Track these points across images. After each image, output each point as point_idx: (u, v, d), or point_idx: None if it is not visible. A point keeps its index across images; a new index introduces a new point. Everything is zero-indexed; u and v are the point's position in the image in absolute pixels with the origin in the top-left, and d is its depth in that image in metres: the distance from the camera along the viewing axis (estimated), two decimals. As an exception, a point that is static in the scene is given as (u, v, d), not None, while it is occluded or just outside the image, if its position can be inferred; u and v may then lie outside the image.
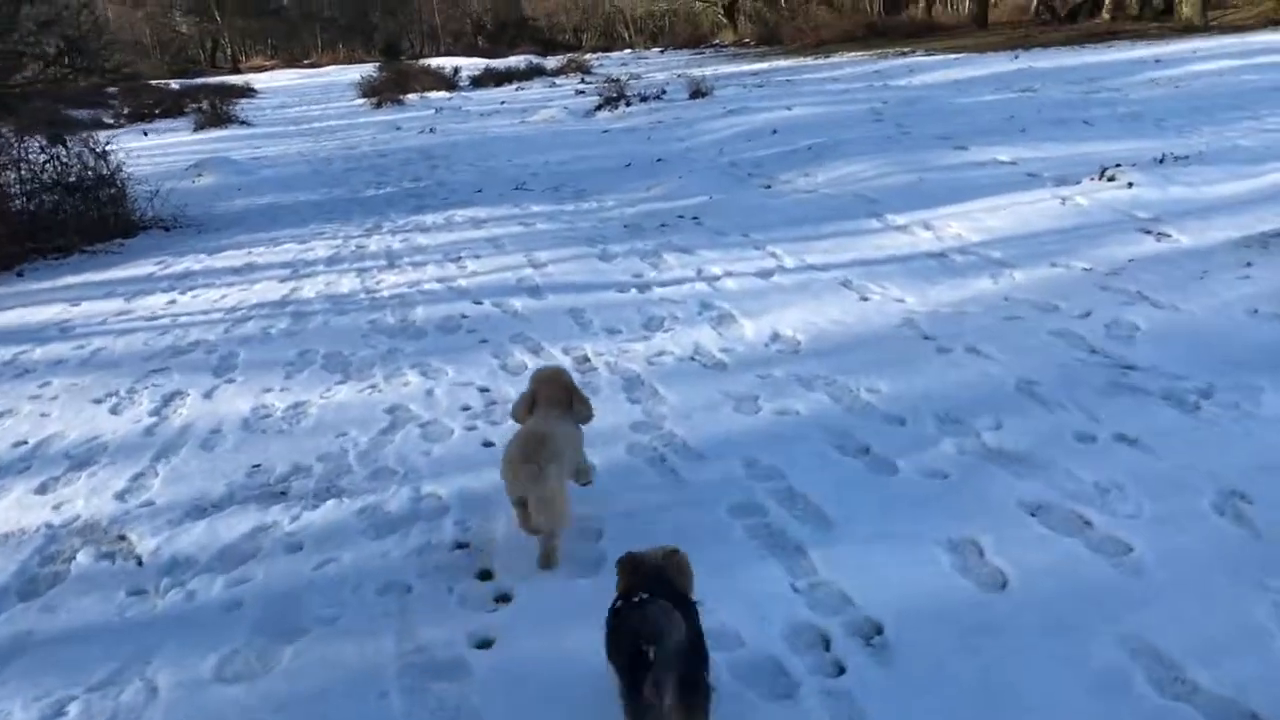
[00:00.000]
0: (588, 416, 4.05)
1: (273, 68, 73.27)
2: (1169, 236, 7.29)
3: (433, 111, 24.62)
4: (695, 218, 9.51)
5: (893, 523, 3.71)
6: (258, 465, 4.86)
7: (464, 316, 7.09)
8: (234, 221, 11.77)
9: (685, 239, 8.75)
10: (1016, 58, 23.63)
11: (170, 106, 32.72)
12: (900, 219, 8.84)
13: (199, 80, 47.34)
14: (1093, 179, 9.18)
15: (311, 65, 72.19)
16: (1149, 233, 7.47)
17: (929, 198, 9.41)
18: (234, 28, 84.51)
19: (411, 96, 30.26)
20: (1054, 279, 6.64)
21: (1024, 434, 4.33)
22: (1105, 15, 37.41)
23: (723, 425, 4.77)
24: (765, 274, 7.55)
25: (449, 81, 33.63)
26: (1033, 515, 3.70)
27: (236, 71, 68.82)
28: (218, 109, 26.81)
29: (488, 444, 4.86)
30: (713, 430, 4.63)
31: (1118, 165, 9.30)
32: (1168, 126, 11.84)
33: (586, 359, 6.02)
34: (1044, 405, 4.61)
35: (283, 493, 4.55)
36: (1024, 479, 3.95)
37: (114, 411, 5.81)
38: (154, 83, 44.85)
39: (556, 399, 3.96)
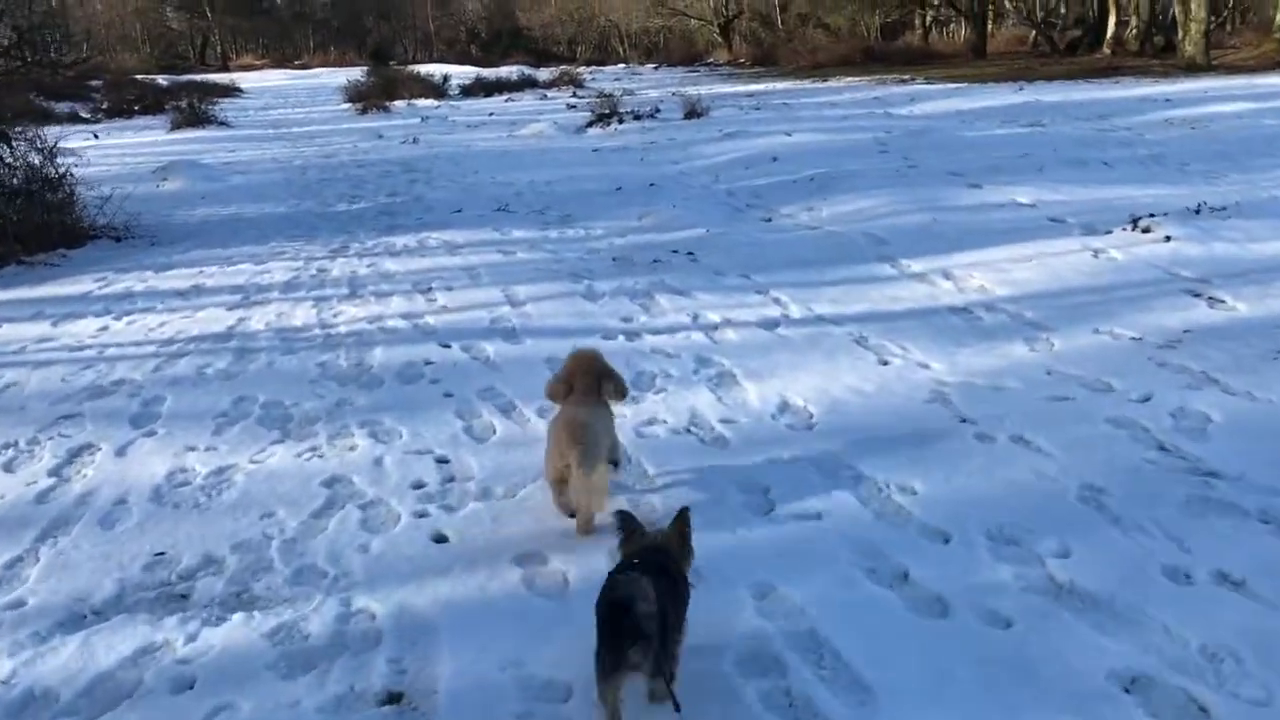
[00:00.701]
0: (622, 394, 4.31)
1: (262, 67, 72.47)
2: (1223, 303, 6.51)
3: (419, 120, 23.78)
4: (690, 253, 8.69)
5: (950, 699, 2.88)
6: (161, 553, 4.00)
7: (428, 363, 6.24)
8: (191, 234, 10.89)
9: (680, 278, 7.92)
10: (1021, 90, 23.00)
11: (151, 103, 31.81)
12: (916, 265, 8.05)
13: (186, 77, 46.44)
14: (1125, 229, 8.42)
15: (302, 66, 71.44)
16: (1198, 296, 6.69)
17: (945, 241, 8.63)
18: (225, 25, 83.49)
19: (399, 103, 29.42)
20: (1101, 350, 5.84)
21: (1099, 565, 3.51)
22: (1106, 50, 36.95)
23: (726, 529, 3.93)
24: (769, 324, 6.73)
25: (438, 89, 32.81)
26: (1127, 692, 2.88)
27: (226, 70, 67.91)
28: (195, 108, 25.88)
29: (440, 539, 4.02)
30: (714, 538, 3.79)
31: (1151, 215, 8.55)
32: (1193, 172, 11.13)
33: (565, 425, 5.18)
34: (1117, 524, 3.79)
35: (184, 595, 3.70)
36: (1109, 635, 3.13)
37: (6, 469, 4.93)
38: (141, 78, 44.02)
39: (590, 386, 4.19)
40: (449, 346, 6.54)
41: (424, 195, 12.64)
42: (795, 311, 7.02)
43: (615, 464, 4.42)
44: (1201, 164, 11.50)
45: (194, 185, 14.43)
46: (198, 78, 46.10)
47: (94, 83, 40.63)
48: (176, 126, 24.44)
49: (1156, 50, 35.49)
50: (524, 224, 10.40)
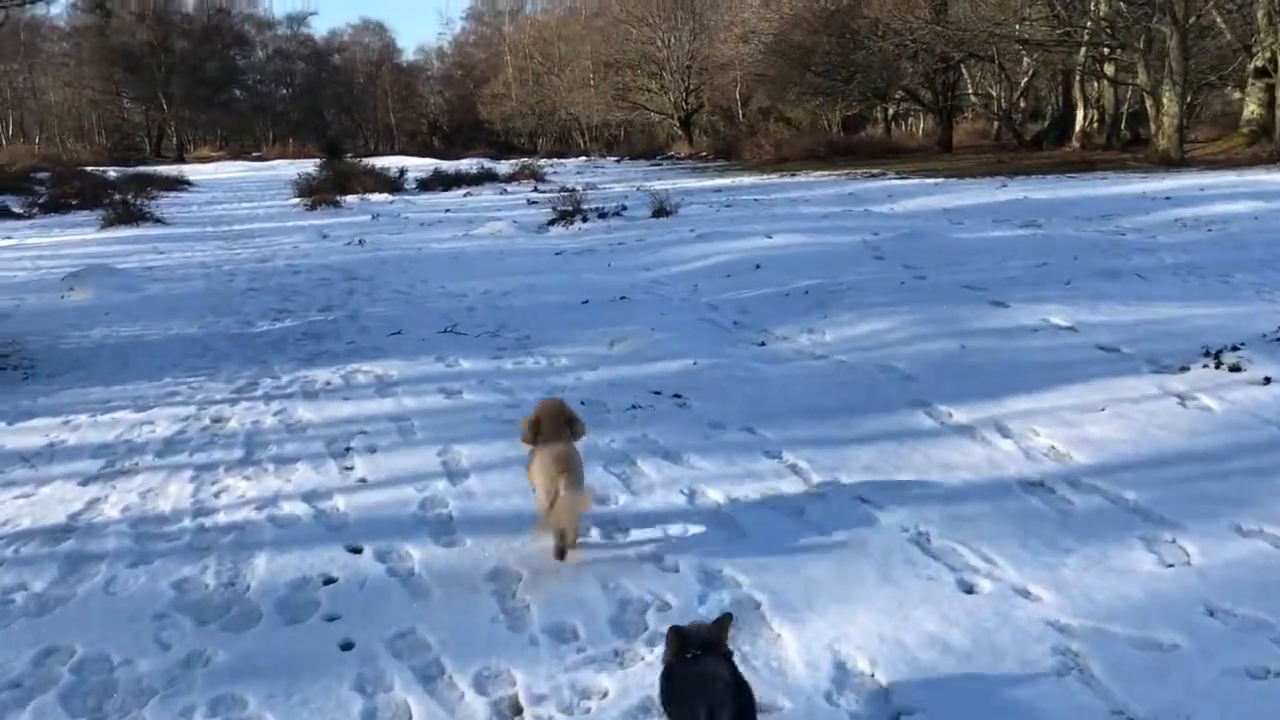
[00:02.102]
0: (582, 434, 4.92)
1: (219, 158, 71.57)
2: (1394, 482, 4.95)
3: (369, 218, 22.24)
4: (677, 395, 7.04)
5: None
6: None
7: (327, 583, 4.50)
8: (76, 363, 9.10)
9: (667, 434, 6.26)
10: (1004, 186, 21.92)
11: (90, 198, 30.07)
12: (958, 414, 6.46)
13: (138, 169, 45.00)
14: (1205, 365, 6.90)
15: (260, 158, 70.58)
16: (1349, 469, 5.13)
17: (985, 379, 7.07)
18: (181, 117, 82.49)
19: (351, 198, 27.92)
20: (1265, 565, 4.22)
21: None
22: (1075, 143, 36.47)
23: None
24: (792, 509, 5.08)
25: (393, 183, 31.40)
26: None
27: (182, 161, 67.06)
28: (130, 205, 24.17)
29: None
30: None
31: (1234, 348, 7.04)
32: (1240, 284, 9.74)
33: (516, 715, 3.46)
34: None
35: None
36: None
37: None
38: (91, 169, 42.55)
39: (558, 429, 4.77)
40: (359, 551, 4.80)
41: (361, 310, 10.95)
42: (819, 483, 5.36)
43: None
44: (1246, 275, 10.12)
45: (103, 297, 12.68)
46: (149, 170, 44.55)
47: (41, 175, 39.14)
48: (108, 224, 22.69)
49: (1123, 144, 35.02)
50: (474, 351, 8.72)
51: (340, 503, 5.39)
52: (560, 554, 4.54)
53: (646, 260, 13.72)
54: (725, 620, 3.29)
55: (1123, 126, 35.96)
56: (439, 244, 16.92)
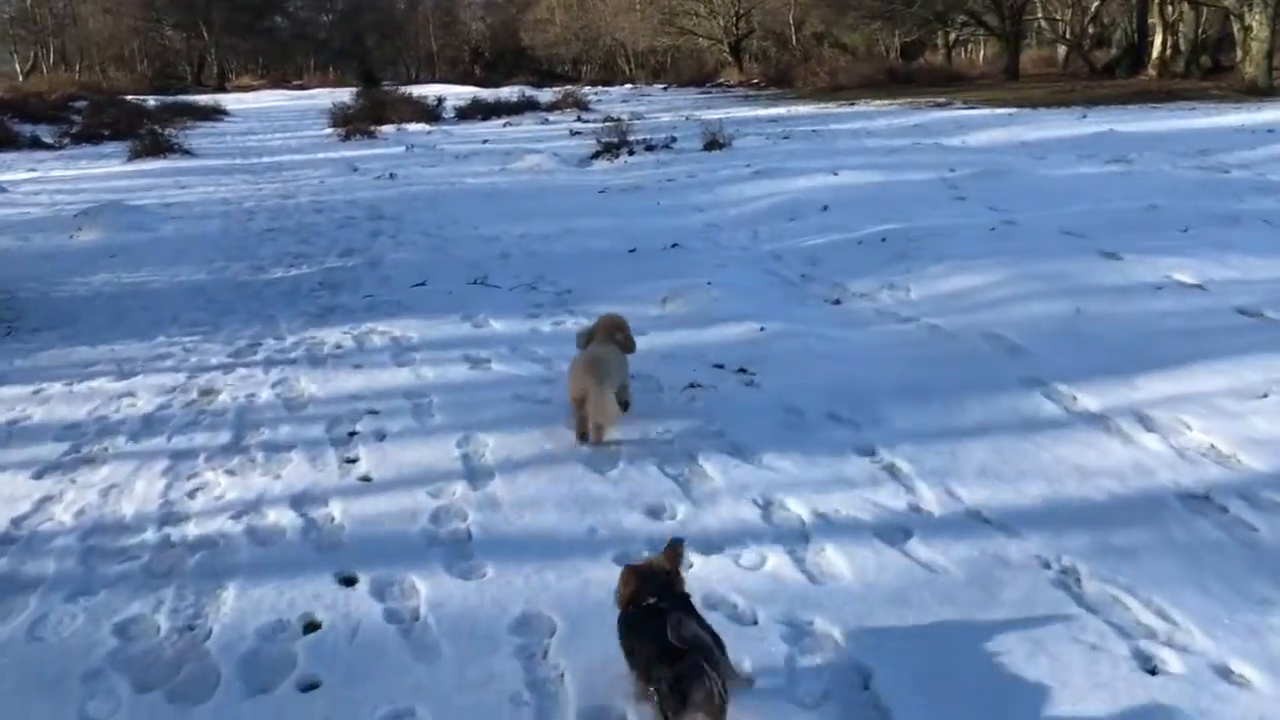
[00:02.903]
0: (630, 347, 5.31)
1: (260, 87, 70.50)
2: None
3: (403, 149, 21.14)
4: (743, 370, 5.94)
5: None
6: None
7: (308, 629, 3.54)
8: (64, 317, 8.17)
9: (735, 422, 5.19)
10: (1084, 117, 20.30)
11: (125, 127, 29.19)
12: (1085, 398, 5.32)
13: (178, 98, 44.15)
14: (1385, 339, 5.68)
15: (300, 87, 69.42)
16: None
17: (1111, 352, 5.91)
18: (222, 45, 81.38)
19: (387, 128, 26.84)
20: None
21: None
22: (1151, 71, 34.34)
23: None
24: (896, 531, 4.03)
25: (430, 113, 30.24)
26: None
27: (223, 90, 66.16)
28: (158, 136, 23.22)
29: None
30: None
31: None
32: (1387, 234, 8.41)
33: None
34: None
35: None
36: None
37: None
38: (131, 98, 41.76)
39: (610, 335, 5.22)
40: (353, 583, 3.81)
41: (384, 256, 9.92)
42: (932, 501, 4.29)
43: (625, 405, 5.09)
44: (1391, 221, 8.78)
45: (113, 236, 11.76)
46: (188, 99, 43.63)
47: (79, 103, 38.43)
48: (135, 156, 21.79)
49: (1203, 72, 32.92)
50: (507, 307, 7.67)
51: (336, 510, 4.40)
52: (582, 438, 4.91)
53: (699, 200, 12.53)
54: (677, 548, 3.20)
55: (1202, 53, 33.80)
56: (474, 179, 15.80)
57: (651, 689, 2.76)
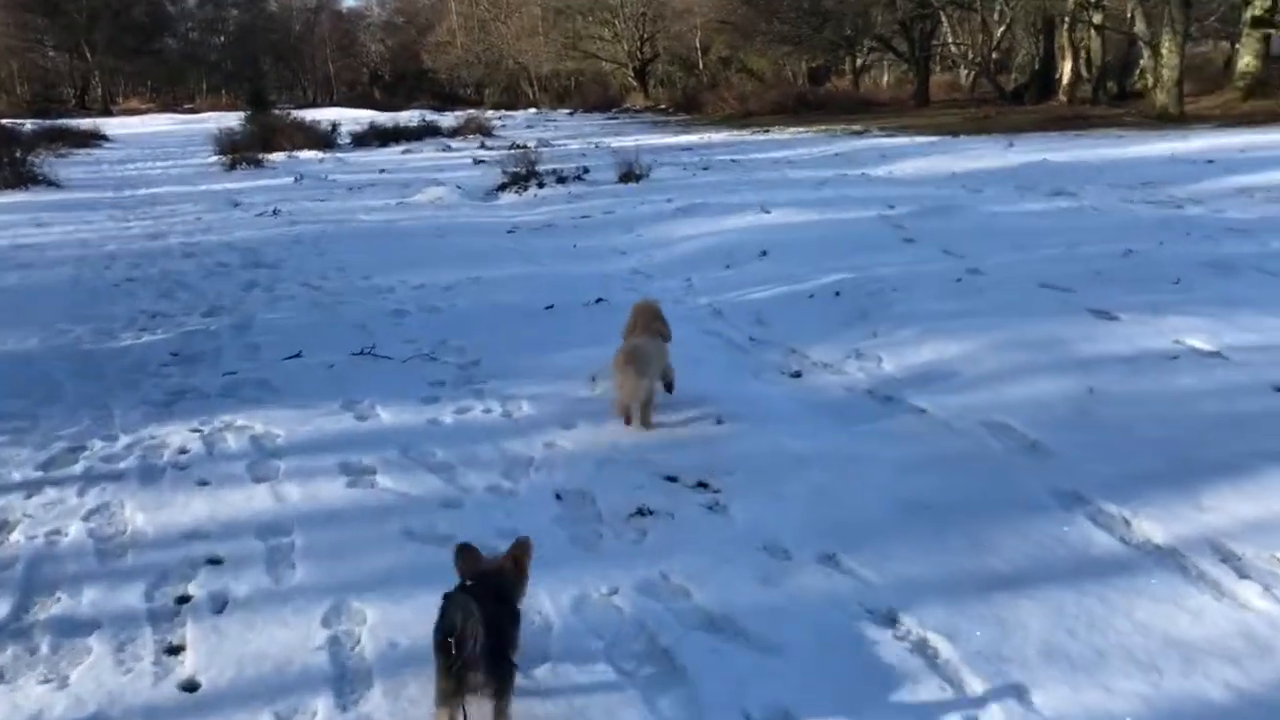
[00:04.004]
0: (668, 336, 5.69)
1: (148, 111, 67.62)
2: None
3: (292, 180, 19.51)
4: (704, 486, 4.65)
5: None
6: None
7: None
8: None
9: (702, 573, 3.89)
10: (1011, 146, 19.64)
11: (-21, 156, 26.80)
12: (1142, 523, 4.17)
13: (55, 122, 41.49)
14: None
15: (191, 110, 66.75)
16: None
17: (1149, 448, 4.81)
18: (107, 67, 77.83)
19: (277, 156, 25.09)
20: None
21: None
22: (1062, 97, 34.31)
23: None
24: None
25: (324, 139, 28.53)
26: None
27: (108, 113, 63.20)
28: (19, 165, 21.10)
29: None
30: None
31: None
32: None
33: None
34: None
35: None
36: None
37: None
38: (6, 122, 39.05)
39: (649, 326, 5.61)
40: None
41: (255, 316, 8.41)
42: (997, 715, 3.04)
43: (669, 385, 5.59)
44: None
45: (-62, 289, 9.99)
46: (69, 123, 41.06)
47: (-58, 127, 35.77)
48: (-9, 188, 19.70)
49: (1110, 98, 32.98)
50: (398, 388, 6.26)
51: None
52: (627, 421, 5.37)
53: (621, 241, 11.28)
54: (522, 545, 3.32)
55: (1108, 80, 33.90)
56: (368, 215, 14.31)
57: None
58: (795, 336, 7.14)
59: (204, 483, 4.89)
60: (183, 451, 5.30)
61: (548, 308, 8.17)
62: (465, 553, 3.25)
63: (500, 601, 3.07)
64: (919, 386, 5.89)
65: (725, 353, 6.91)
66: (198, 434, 5.55)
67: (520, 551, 3.29)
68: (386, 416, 5.74)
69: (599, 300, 8.27)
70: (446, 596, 2.99)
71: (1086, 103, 32.69)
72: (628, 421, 5.36)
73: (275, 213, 14.70)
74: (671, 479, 4.66)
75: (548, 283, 9.21)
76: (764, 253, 9.68)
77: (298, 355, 7.03)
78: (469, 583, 3.07)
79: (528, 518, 4.30)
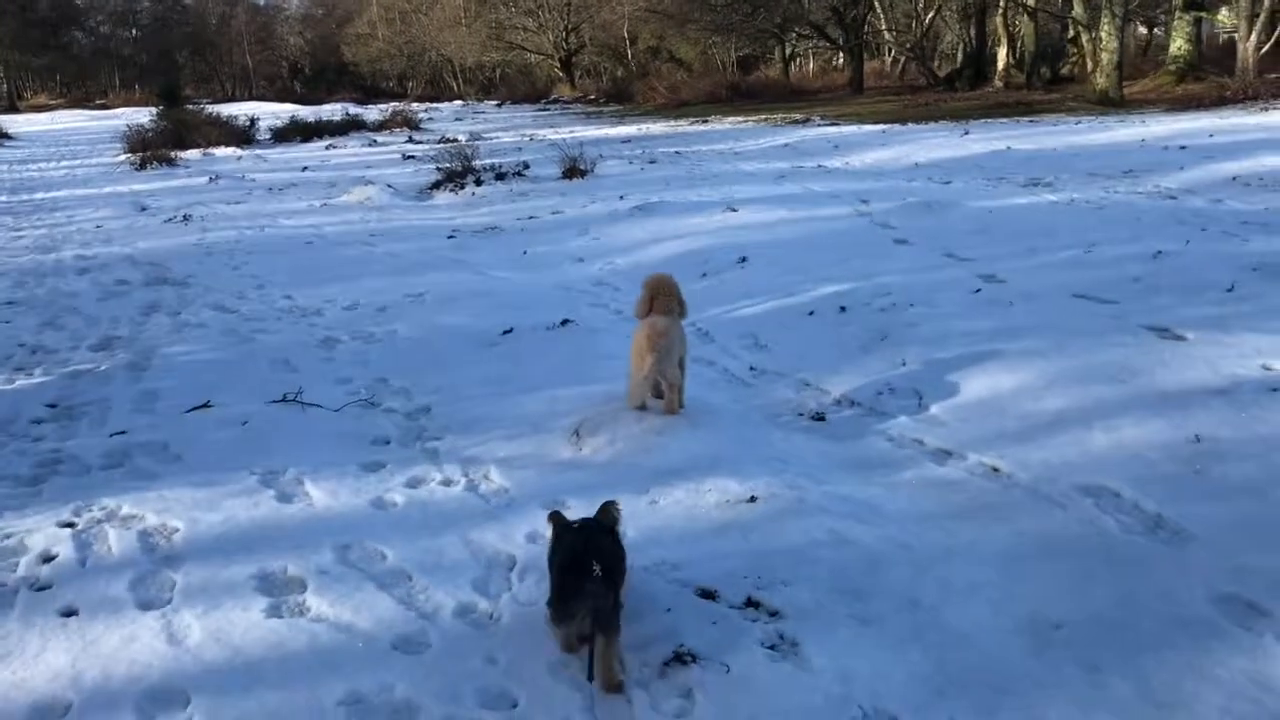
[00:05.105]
0: (685, 313, 5.27)
1: (57, 107, 64.50)
2: None
3: (206, 180, 17.91)
4: (754, 606, 3.46)
5: None
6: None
7: None
8: None
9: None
10: (967, 134, 18.77)
11: None
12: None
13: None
14: None
15: (103, 106, 63.75)
16: None
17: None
18: (12, 62, 74.15)
19: (191, 153, 23.34)
20: None
21: None
22: (998, 83, 33.77)
23: None
24: None
25: (242, 135, 26.78)
26: None
27: (15, 110, 60.28)
28: (-103, 169, 19.20)
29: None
30: None
31: None
32: None
33: None
34: None
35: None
36: None
37: None
38: (-108, 122, 36.66)
39: (667, 305, 5.14)
40: None
41: (156, 350, 7.04)
42: None
43: (680, 368, 5.11)
44: None
45: None
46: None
47: None
48: None
49: (1044, 83, 32.53)
50: (332, 452, 4.99)
51: None
52: (642, 407, 5.07)
53: (576, 246, 10.07)
54: (609, 506, 3.40)
55: (1042, 64, 33.41)
56: (289, 220, 12.89)
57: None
58: (805, 364, 6.02)
59: (70, 613, 3.58)
60: (46, 559, 3.98)
61: (505, 332, 6.93)
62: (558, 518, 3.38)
63: (613, 537, 3.25)
64: (980, 436, 4.80)
65: (727, 389, 5.76)
66: (69, 529, 4.23)
67: (610, 510, 3.41)
68: (317, 495, 4.48)
69: (565, 322, 7.04)
70: (564, 525, 3.25)
71: (1022, 88, 32.16)
72: (642, 407, 5.01)
73: (186, 219, 13.20)
74: (709, 595, 3.47)
75: (500, 299, 7.98)
76: (743, 259, 8.55)
77: (205, 405, 5.70)
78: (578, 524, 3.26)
79: (521, 668, 3.08)
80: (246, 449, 5.03)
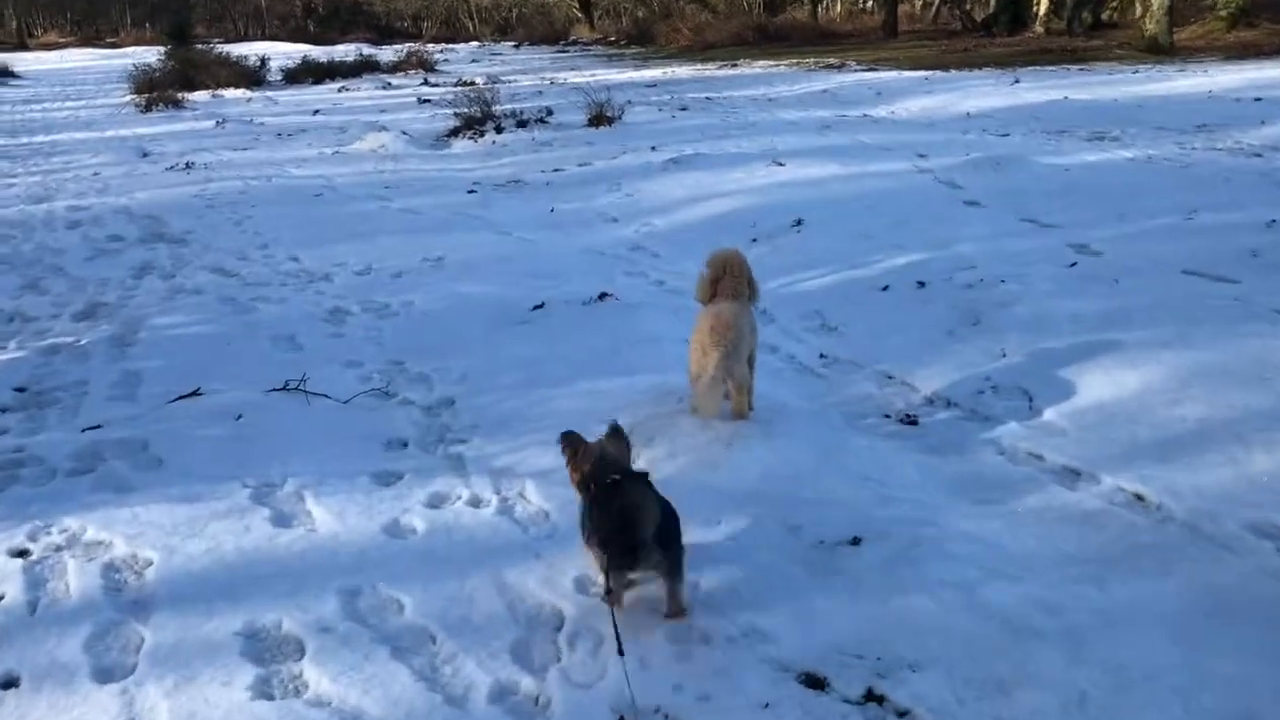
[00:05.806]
0: (758, 298, 4.50)
1: (67, 45, 63.57)
2: None
3: (214, 124, 17.06)
4: (879, 699, 2.70)
5: None
6: None
7: None
8: None
9: None
10: (1017, 82, 17.72)
11: None
12: None
13: (-41, 57, 38.29)
14: None
15: (113, 45, 62.72)
16: None
17: None
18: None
19: (199, 95, 22.48)
20: None
21: None
22: (1038, 28, 32.42)
23: None
24: None
25: (252, 76, 25.83)
26: None
27: (24, 48, 59.38)
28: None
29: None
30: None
31: None
32: None
33: None
34: None
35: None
36: None
37: None
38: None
39: (736, 288, 4.31)
40: None
41: (144, 321, 6.27)
42: None
43: (750, 364, 4.40)
44: None
45: None
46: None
47: None
48: None
49: (1086, 28, 31.23)
50: (339, 457, 4.24)
51: None
52: (739, 415, 4.28)
53: (607, 203, 9.23)
54: (618, 432, 3.19)
55: (1083, 9, 32.06)
56: (298, 169, 12.06)
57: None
58: (884, 352, 5.21)
59: (10, 682, 2.85)
60: (-9, 601, 3.25)
61: (535, 308, 6.13)
62: (572, 442, 3.13)
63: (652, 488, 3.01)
64: (1112, 451, 4.00)
65: (796, 382, 4.96)
66: (21, 559, 3.49)
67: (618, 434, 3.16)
68: (321, 516, 3.72)
69: (603, 296, 6.23)
70: (604, 487, 2.94)
71: (1063, 34, 30.86)
72: (739, 415, 4.28)
73: (189, 166, 12.39)
74: (817, 683, 2.70)
75: (527, 265, 7.17)
76: (799, 221, 7.71)
77: (195, 393, 4.94)
78: (614, 477, 2.96)
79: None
80: (239, 451, 4.28)
